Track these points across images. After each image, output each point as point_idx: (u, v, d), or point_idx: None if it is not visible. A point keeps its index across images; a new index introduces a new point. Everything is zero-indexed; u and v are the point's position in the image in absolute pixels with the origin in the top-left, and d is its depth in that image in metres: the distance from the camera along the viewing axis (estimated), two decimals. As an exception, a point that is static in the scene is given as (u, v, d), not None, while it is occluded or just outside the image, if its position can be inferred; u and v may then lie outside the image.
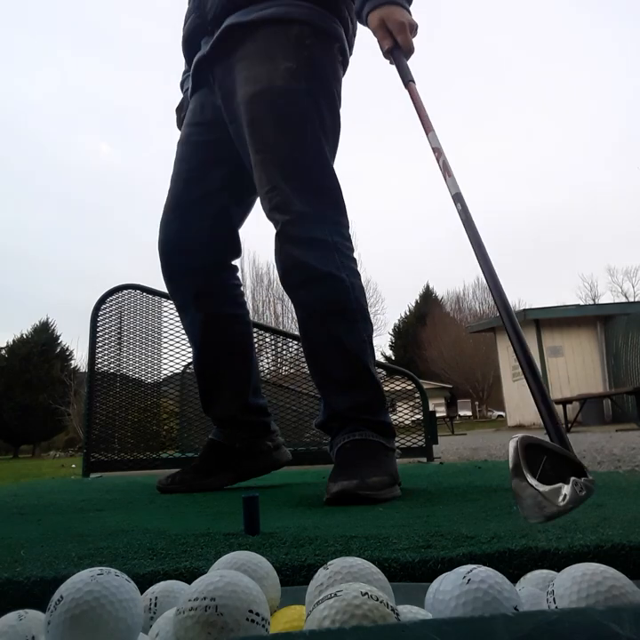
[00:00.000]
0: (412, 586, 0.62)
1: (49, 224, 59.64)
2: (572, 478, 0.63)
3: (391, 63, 1.42)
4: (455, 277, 71.17)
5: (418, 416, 3.31)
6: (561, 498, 0.60)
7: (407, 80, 1.41)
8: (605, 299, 35.89)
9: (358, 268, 1.52)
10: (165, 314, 3.41)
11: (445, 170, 1.24)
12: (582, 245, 57.78)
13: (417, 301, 42.59)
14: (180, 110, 1.83)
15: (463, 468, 2.27)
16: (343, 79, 1.59)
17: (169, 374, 3.55)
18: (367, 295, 1.62)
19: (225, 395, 1.73)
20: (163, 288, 3.41)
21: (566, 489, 0.61)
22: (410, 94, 1.39)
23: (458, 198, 1.18)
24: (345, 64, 1.60)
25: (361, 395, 1.42)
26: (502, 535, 0.78)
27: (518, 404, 14.65)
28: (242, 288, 1.86)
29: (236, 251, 1.78)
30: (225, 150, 1.60)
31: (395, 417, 3.31)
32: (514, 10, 59.96)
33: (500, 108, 60.69)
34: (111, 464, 3.08)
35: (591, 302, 31.02)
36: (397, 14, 1.39)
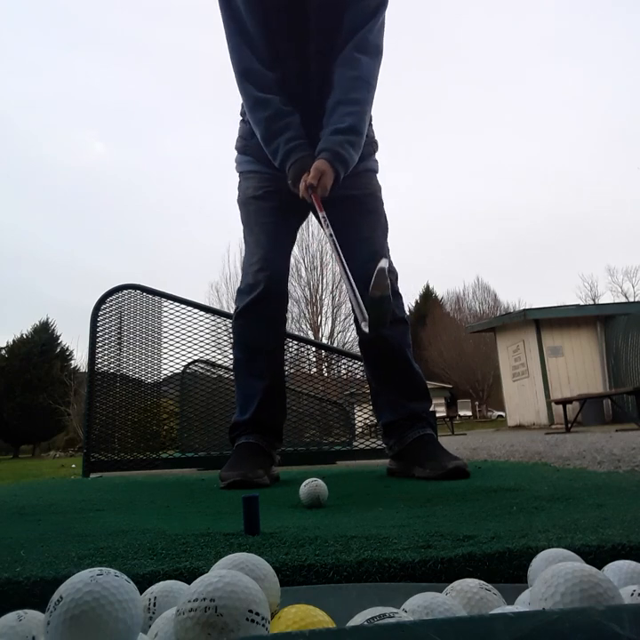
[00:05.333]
0: (412, 586, 0.62)
1: (49, 224, 59.73)
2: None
3: (309, 194, 1.82)
4: (455, 277, 71.33)
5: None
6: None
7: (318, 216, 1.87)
8: (605, 299, 35.92)
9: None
10: (165, 314, 3.41)
11: (325, 225, 1.78)
12: (582, 245, 57.89)
13: (417, 301, 42.61)
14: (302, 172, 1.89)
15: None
16: None
17: (169, 374, 3.55)
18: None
19: (276, 408, 2.02)
20: (162, 288, 3.42)
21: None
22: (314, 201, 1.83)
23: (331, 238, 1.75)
24: None
25: (429, 403, 2.03)
26: (502, 535, 0.78)
27: (518, 403, 14.63)
28: None
29: None
30: (294, 213, 2.05)
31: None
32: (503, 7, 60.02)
33: (500, 107, 60.75)
34: (111, 464, 3.08)
35: (591, 302, 31.00)
36: (328, 178, 1.79)
